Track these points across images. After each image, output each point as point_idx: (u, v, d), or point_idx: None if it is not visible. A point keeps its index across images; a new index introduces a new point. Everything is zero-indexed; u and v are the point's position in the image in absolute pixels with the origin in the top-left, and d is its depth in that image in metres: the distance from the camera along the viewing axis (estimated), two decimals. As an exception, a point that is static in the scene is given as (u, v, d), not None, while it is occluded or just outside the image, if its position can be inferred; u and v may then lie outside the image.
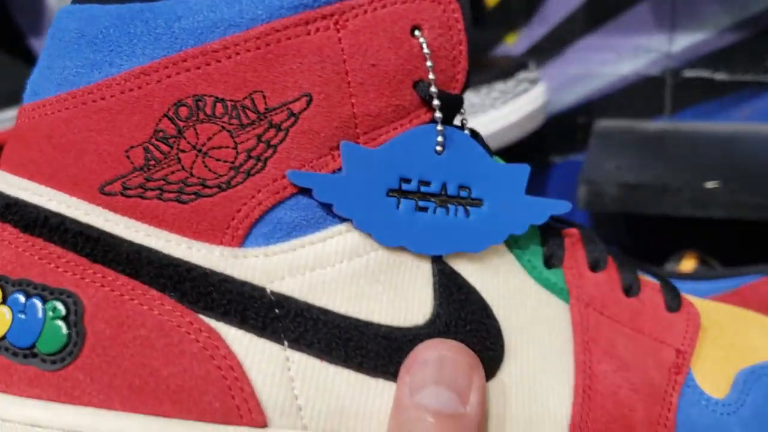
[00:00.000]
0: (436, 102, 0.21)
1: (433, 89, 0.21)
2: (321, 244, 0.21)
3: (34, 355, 0.21)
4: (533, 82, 0.55)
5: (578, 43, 0.64)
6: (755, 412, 0.23)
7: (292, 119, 0.20)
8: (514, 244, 0.23)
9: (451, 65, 0.21)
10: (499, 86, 0.53)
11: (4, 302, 0.21)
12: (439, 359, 0.21)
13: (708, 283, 0.54)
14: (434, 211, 0.22)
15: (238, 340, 0.21)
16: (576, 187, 0.68)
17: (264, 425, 0.21)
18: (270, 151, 0.20)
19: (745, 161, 0.53)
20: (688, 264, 0.57)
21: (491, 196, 0.22)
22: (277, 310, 0.21)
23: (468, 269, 0.22)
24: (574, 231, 0.24)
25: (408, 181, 0.21)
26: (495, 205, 0.22)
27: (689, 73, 0.61)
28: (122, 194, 0.21)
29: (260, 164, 0.21)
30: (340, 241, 0.21)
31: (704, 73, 0.60)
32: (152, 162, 0.20)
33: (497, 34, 0.65)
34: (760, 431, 0.23)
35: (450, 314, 0.22)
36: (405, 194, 0.22)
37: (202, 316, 0.21)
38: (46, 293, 0.21)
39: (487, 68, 0.54)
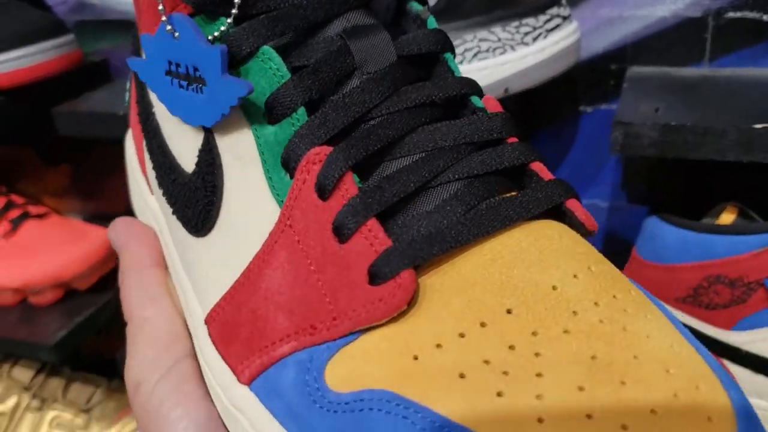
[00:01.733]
0: None
1: None
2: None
3: None
4: (565, 19, 0.51)
5: (613, -17, 0.60)
6: (340, 429, 0.19)
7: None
8: (259, 140, 0.23)
9: None
10: (530, 21, 0.50)
11: None
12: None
13: (748, 238, 0.51)
14: (186, 88, 0.24)
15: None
16: (607, 136, 0.65)
17: None
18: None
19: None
20: (727, 217, 0.54)
21: (208, 75, 0.23)
22: (149, 123, 0.29)
23: (222, 144, 0.24)
24: (327, 149, 0.21)
25: (170, 63, 0.25)
26: (211, 85, 0.23)
27: (733, 15, 0.56)
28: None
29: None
30: None
31: (751, 14, 0.56)
32: None
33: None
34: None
35: (198, 174, 0.26)
36: (173, 75, 0.25)
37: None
38: None
39: (517, 3, 0.51)
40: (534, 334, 0.18)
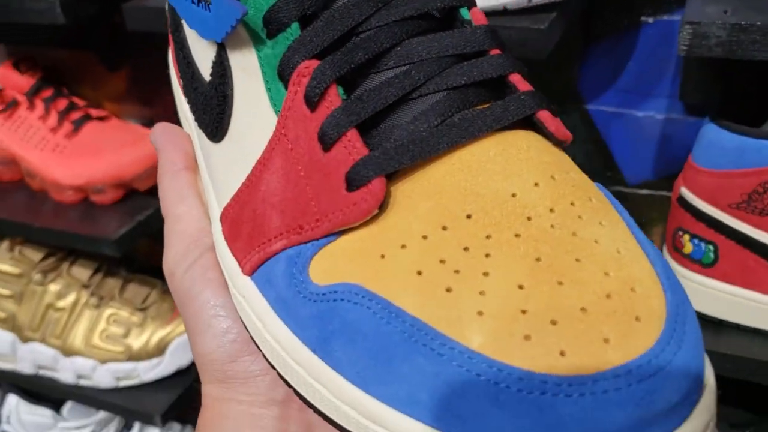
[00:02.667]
0: None
1: None
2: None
3: None
4: None
5: None
6: (318, 315, 0.22)
7: None
8: (260, 54, 0.25)
9: None
10: None
11: None
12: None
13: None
14: (197, 4, 0.25)
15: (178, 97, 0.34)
16: (668, 48, 0.65)
17: None
18: None
19: None
20: (787, 124, 0.54)
21: None
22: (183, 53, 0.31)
23: (232, 57, 0.26)
24: (313, 63, 0.23)
25: None
26: (214, 4, 0.24)
27: None
28: None
29: None
30: None
31: None
32: None
33: None
34: (320, 328, 0.22)
35: (212, 84, 0.28)
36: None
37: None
38: None
39: None
40: (488, 237, 0.20)
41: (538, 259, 0.20)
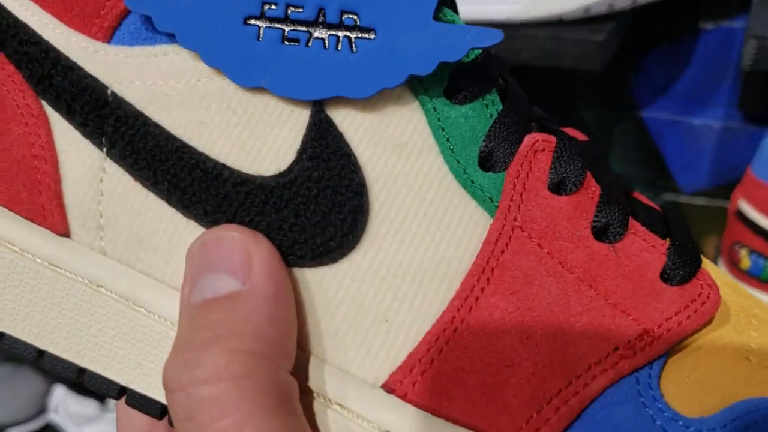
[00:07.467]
0: None
1: None
2: (182, 55, 0.19)
3: None
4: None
5: None
6: None
7: None
8: (439, 123, 0.18)
9: None
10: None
11: None
12: (202, 244, 0.18)
13: None
14: (307, 43, 0.18)
15: (63, 133, 0.20)
16: (728, 55, 0.63)
17: (64, 234, 0.20)
18: None
19: None
20: None
21: (386, 22, 0.17)
22: (106, 109, 0.19)
23: (354, 131, 0.18)
24: (550, 137, 0.18)
25: (273, 5, 0.18)
26: (391, 35, 0.17)
27: None
28: None
29: None
30: None
31: None
32: None
33: None
34: None
35: (306, 177, 0.18)
36: (269, 21, 0.18)
37: (41, 100, 0.20)
38: None
39: None
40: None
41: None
